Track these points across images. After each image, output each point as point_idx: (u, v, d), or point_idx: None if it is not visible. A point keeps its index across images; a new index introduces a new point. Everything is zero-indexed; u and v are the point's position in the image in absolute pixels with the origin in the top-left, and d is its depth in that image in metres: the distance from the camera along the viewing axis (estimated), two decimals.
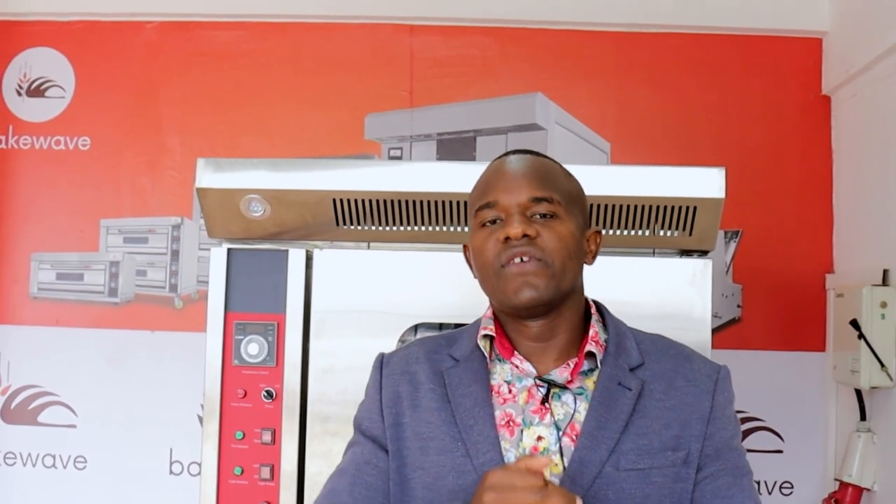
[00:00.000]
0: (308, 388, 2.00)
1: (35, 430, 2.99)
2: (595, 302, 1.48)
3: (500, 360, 1.43)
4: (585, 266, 1.43)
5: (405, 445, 1.41)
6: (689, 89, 2.99)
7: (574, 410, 1.36)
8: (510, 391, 1.39)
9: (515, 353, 1.40)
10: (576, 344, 1.41)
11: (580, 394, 1.38)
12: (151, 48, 3.06)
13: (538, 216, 1.36)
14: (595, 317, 1.44)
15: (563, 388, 1.38)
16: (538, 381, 1.38)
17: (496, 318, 1.44)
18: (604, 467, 1.32)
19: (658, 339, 1.48)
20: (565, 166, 1.48)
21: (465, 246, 1.47)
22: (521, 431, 1.36)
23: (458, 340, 1.47)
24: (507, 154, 1.45)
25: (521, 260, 1.33)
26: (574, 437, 1.34)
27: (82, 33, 3.07)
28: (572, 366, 1.38)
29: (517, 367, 1.40)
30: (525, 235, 1.33)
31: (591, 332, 1.41)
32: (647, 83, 2.99)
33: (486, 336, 1.42)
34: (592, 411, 1.35)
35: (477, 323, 1.47)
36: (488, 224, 1.38)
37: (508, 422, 1.37)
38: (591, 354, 1.39)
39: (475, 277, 1.43)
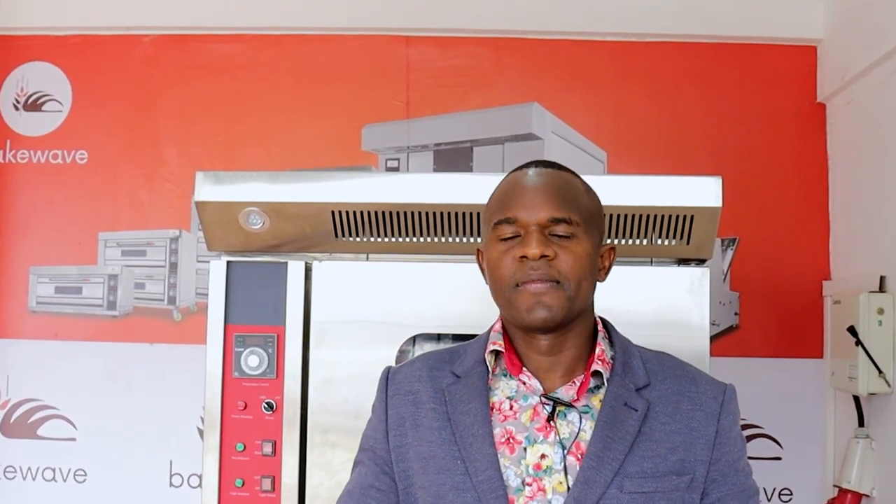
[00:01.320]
0: (308, 399, 2.00)
1: (35, 444, 2.99)
2: (602, 319, 1.47)
3: (504, 376, 1.42)
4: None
5: (410, 466, 1.41)
6: (684, 98, 3.00)
7: (579, 429, 1.35)
8: (511, 408, 1.39)
9: (524, 369, 1.40)
10: (582, 360, 1.40)
11: (586, 412, 1.37)
12: (148, 61, 3.06)
13: (557, 235, 1.35)
14: (602, 334, 1.43)
15: (569, 406, 1.37)
16: (544, 399, 1.38)
17: (505, 332, 1.43)
18: (608, 489, 1.31)
19: (664, 357, 1.47)
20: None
21: (478, 251, 1.46)
22: (525, 449, 1.35)
23: (462, 355, 1.46)
24: (527, 166, 1.43)
25: (537, 280, 1.33)
26: (579, 457, 1.34)
27: (79, 47, 3.07)
28: (578, 384, 1.38)
29: (524, 383, 1.39)
30: (543, 256, 1.32)
31: (597, 351, 1.40)
32: (642, 92, 2.99)
33: (493, 351, 1.42)
34: (598, 431, 1.34)
35: (482, 337, 1.46)
36: (506, 239, 1.37)
37: (508, 439, 1.36)
38: (597, 373, 1.38)
39: (486, 284, 1.42)
